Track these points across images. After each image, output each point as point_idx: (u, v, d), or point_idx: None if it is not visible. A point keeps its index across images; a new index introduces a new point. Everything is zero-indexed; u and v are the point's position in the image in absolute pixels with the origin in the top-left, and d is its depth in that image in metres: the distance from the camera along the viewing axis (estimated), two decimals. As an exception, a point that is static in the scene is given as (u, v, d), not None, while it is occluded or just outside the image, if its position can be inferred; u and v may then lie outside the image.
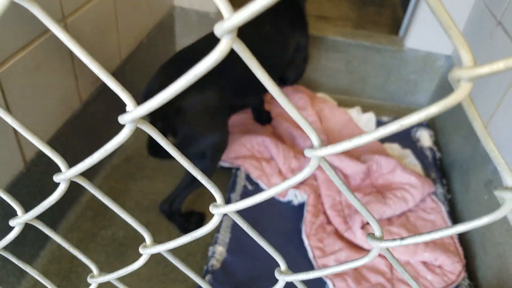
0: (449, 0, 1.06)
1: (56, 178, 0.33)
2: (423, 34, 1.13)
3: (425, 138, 1.10)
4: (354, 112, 1.15)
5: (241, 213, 0.95)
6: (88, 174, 0.87)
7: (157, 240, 0.32)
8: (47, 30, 0.67)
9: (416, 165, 1.02)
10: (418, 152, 1.07)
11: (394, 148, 1.07)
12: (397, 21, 1.62)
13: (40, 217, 0.35)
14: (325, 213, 0.87)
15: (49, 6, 0.67)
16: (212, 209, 0.29)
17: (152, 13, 1.06)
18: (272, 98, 1.13)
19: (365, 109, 1.22)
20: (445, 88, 1.16)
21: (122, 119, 0.26)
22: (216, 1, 0.18)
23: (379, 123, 1.14)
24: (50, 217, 0.78)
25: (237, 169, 0.95)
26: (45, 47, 0.68)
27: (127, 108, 0.25)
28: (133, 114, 0.25)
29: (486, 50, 0.97)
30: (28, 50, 0.64)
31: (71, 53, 0.75)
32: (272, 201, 0.90)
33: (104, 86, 0.88)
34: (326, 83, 1.27)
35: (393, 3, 1.78)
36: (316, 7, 1.66)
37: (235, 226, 0.82)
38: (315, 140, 0.24)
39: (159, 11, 1.11)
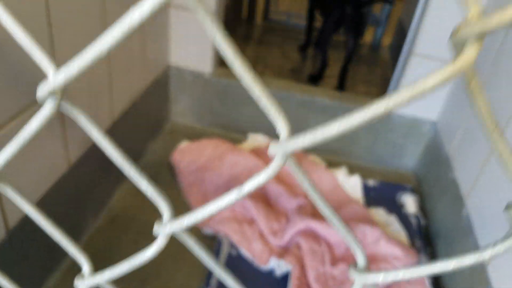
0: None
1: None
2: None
3: (410, 203, 1.11)
4: (341, 175, 1.17)
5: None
6: (73, 233, 0.86)
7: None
8: (35, 101, 0.69)
9: (401, 233, 1.02)
10: (403, 218, 1.07)
11: (380, 213, 1.08)
12: (387, 80, 1.67)
13: (20, 283, 0.34)
14: (308, 285, 0.87)
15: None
16: (156, 228, 0.24)
17: (147, 73, 1.09)
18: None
19: (352, 170, 1.24)
20: (431, 153, 1.19)
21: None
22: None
23: (365, 187, 1.15)
24: (28, 285, 0.78)
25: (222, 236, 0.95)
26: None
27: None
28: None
29: (467, 121, 1.00)
30: (19, 119, 0.66)
31: (62, 120, 0.77)
32: (255, 272, 0.90)
33: (92, 149, 0.89)
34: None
35: (385, 61, 1.84)
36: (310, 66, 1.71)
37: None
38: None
39: (154, 71, 1.14)
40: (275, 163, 0.19)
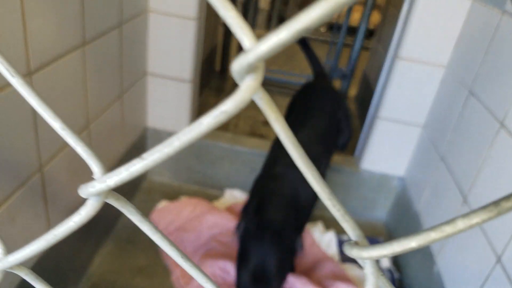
0: (396, 135, 1.18)
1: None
2: (376, 157, 1.24)
3: (383, 258, 1.15)
4: (317, 232, 1.21)
5: None
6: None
7: None
8: (24, 183, 0.70)
9: (376, 288, 1.06)
10: (378, 272, 1.11)
11: (354, 268, 1.12)
12: (355, 131, 1.76)
13: None
14: None
15: (28, 159, 0.71)
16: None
17: (125, 137, 1.12)
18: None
19: (327, 224, 1.28)
20: (400, 206, 1.25)
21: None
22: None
23: (340, 242, 1.19)
24: None
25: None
26: (20, 200, 0.70)
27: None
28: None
29: (433, 181, 1.07)
30: (7, 204, 0.67)
31: (45, 205, 0.77)
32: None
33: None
34: (290, 198, 1.33)
35: (352, 112, 1.94)
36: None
37: None
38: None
39: (132, 134, 1.17)
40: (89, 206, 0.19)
